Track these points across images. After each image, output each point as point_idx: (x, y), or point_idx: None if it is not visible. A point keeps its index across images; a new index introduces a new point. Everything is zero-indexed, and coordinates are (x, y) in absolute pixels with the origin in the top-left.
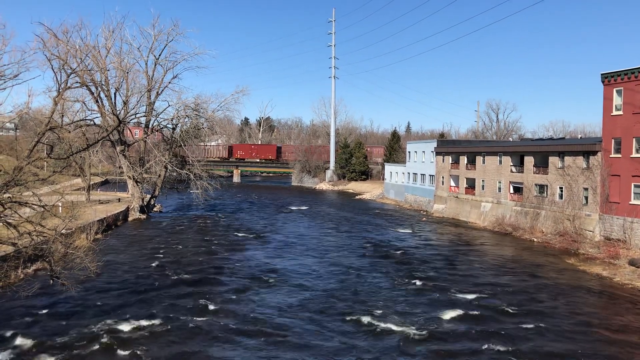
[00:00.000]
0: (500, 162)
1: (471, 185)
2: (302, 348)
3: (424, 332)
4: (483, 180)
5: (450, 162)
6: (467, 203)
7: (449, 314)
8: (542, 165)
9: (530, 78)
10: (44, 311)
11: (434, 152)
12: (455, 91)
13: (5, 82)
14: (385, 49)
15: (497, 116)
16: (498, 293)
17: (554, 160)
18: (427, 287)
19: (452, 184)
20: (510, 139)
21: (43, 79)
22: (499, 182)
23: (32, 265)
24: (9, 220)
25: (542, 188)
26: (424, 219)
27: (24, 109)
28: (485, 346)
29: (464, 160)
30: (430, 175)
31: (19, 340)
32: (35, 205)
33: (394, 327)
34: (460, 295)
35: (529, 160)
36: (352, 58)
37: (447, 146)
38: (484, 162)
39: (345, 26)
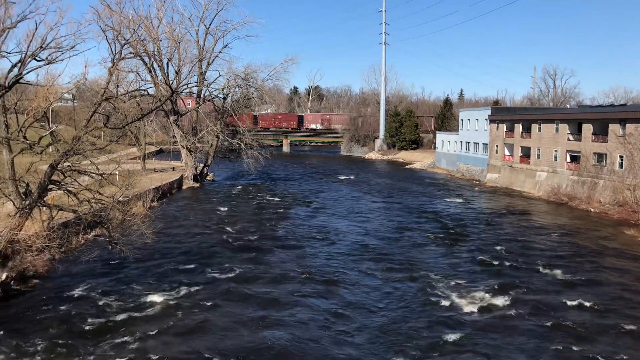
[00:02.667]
0: (557, 130)
1: (526, 154)
2: (359, 310)
3: (472, 297)
4: (538, 149)
5: (505, 130)
6: (522, 172)
7: (501, 285)
8: (601, 133)
9: (590, 42)
10: (103, 275)
11: (488, 120)
12: (511, 57)
13: (62, 53)
14: (438, 14)
15: (554, 82)
16: (555, 264)
17: (614, 128)
18: (480, 256)
19: (506, 152)
20: (568, 106)
21: (98, 50)
22: (555, 151)
23: (92, 232)
24: (69, 188)
25: (600, 157)
26: (477, 188)
27: (81, 80)
28: (546, 320)
29: (519, 128)
30: (483, 144)
31: (80, 302)
32: (93, 173)
33: (445, 291)
34: (518, 266)
35: (588, 128)
36: (403, 24)
37: (501, 114)
38: (539, 130)
39: None
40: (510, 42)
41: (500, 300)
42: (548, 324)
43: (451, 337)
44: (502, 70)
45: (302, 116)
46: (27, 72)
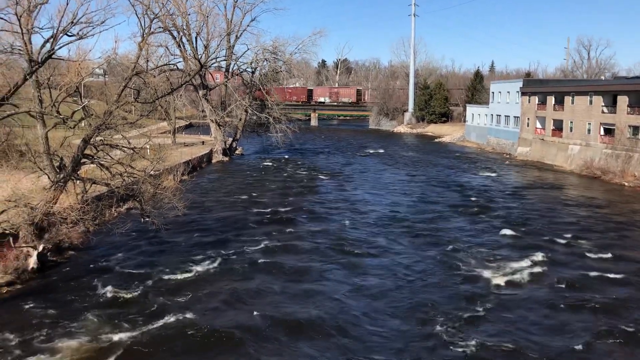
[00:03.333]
0: (591, 102)
1: (558, 127)
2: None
3: (498, 269)
4: (571, 122)
5: (537, 102)
6: (554, 146)
7: (530, 259)
8: (637, 105)
9: (627, 11)
10: (136, 247)
11: (519, 93)
12: (544, 27)
13: (93, 28)
14: None
15: (588, 53)
16: (586, 236)
17: None
18: (508, 230)
19: (538, 125)
20: (603, 78)
21: (128, 25)
22: (589, 124)
23: (124, 205)
24: (102, 162)
25: (636, 130)
26: (507, 162)
27: (111, 55)
28: (573, 294)
29: (551, 100)
30: (514, 117)
31: (115, 273)
32: (125, 147)
33: (472, 264)
34: (548, 239)
35: (623, 100)
36: None
37: (533, 86)
38: (572, 103)
39: None
40: (542, 12)
41: (525, 274)
42: (574, 298)
43: (473, 308)
44: (535, 41)
45: (312, 90)
46: (59, 48)
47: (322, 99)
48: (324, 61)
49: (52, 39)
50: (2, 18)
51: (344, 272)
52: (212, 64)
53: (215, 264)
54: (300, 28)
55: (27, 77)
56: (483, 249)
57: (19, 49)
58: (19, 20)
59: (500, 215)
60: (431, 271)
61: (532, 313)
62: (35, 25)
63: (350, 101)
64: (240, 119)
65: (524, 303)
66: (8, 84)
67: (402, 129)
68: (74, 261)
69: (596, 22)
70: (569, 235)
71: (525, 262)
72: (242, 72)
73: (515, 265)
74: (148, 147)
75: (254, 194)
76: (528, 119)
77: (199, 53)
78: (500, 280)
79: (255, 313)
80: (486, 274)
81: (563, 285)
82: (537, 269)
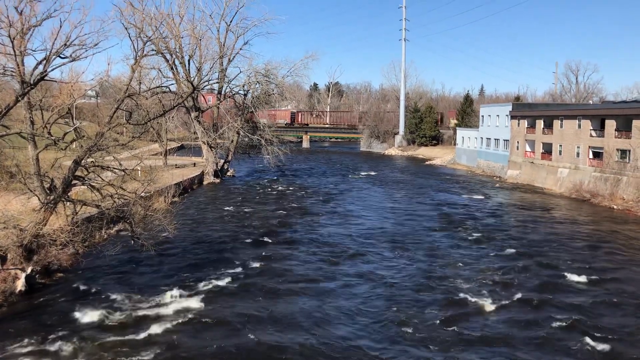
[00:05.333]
0: (579, 126)
1: (547, 150)
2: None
3: (488, 292)
4: (560, 145)
5: (526, 126)
6: (543, 169)
7: (515, 278)
8: (625, 129)
9: (613, 37)
10: (126, 269)
11: (509, 116)
12: (532, 52)
13: (86, 50)
14: (458, 9)
15: (576, 78)
16: (577, 259)
17: (638, 124)
18: (498, 252)
19: (528, 149)
20: (591, 102)
21: (121, 47)
22: (578, 147)
23: (115, 226)
24: (93, 184)
25: (624, 153)
26: (498, 185)
27: (104, 77)
28: (564, 317)
29: (540, 124)
30: (504, 140)
31: (104, 296)
32: (116, 169)
33: (464, 287)
34: (538, 260)
35: (611, 124)
36: (423, 19)
37: (522, 109)
38: (561, 126)
39: None
40: (531, 38)
41: (513, 296)
42: (564, 321)
43: (464, 331)
44: (523, 65)
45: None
46: (52, 70)
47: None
48: (316, 84)
49: (45, 61)
50: None
51: (336, 295)
52: (205, 86)
53: (206, 287)
54: (292, 52)
55: (19, 98)
56: (472, 270)
57: (12, 71)
58: (12, 42)
59: (491, 239)
60: (419, 291)
61: (519, 335)
62: (28, 47)
63: (285, 122)
64: (232, 141)
65: (510, 324)
66: (0, 106)
67: (393, 151)
68: (62, 284)
69: (584, 47)
70: (559, 259)
71: (512, 284)
72: (234, 94)
73: (501, 287)
74: (139, 168)
75: (245, 216)
76: (518, 142)
77: (191, 75)
78: (484, 302)
79: (246, 337)
80: (475, 298)
81: (552, 309)
82: (523, 292)
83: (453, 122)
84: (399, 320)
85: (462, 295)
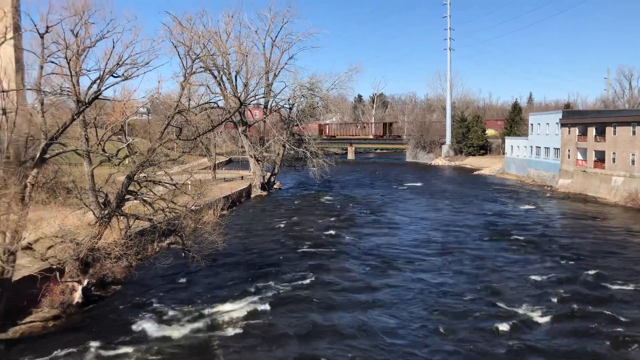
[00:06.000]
0: (634, 132)
1: (600, 158)
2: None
3: (542, 311)
4: (614, 153)
5: (577, 134)
6: (596, 177)
7: (575, 294)
8: None
9: None
10: (177, 282)
11: (559, 124)
12: (582, 58)
13: (138, 69)
14: (504, 17)
15: (629, 83)
16: (632, 272)
17: None
18: (553, 264)
19: (579, 157)
20: None
21: (170, 65)
22: (633, 154)
23: (166, 240)
24: (145, 198)
25: None
26: (549, 194)
27: (155, 94)
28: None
29: (592, 131)
30: (554, 149)
31: (156, 308)
32: (167, 183)
33: (518, 310)
34: (590, 271)
35: None
36: (468, 28)
37: (573, 117)
38: (614, 133)
39: None
40: (580, 44)
41: (563, 307)
42: (615, 335)
43: (514, 342)
44: (573, 72)
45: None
46: (106, 89)
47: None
48: (360, 96)
49: (98, 80)
50: (52, 62)
51: (381, 306)
52: (251, 101)
53: (256, 299)
54: (336, 65)
55: (75, 117)
56: (518, 278)
57: (68, 91)
58: (68, 63)
59: (543, 250)
60: (466, 302)
61: (568, 349)
62: (83, 67)
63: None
64: (278, 154)
65: (551, 333)
66: (57, 124)
67: (439, 161)
68: (117, 296)
69: (637, 51)
70: (614, 272)
71: (563, 297)
72: (280, 108)
73: (552, 300)
74: (189, 182)
75: (293, 227)
76: (569, 150)
77: (238, 91)
78: (533, 313)
79: (295, 347)
80: (521, 305)
81: (604, 324)
82: (574, 307)
83: (491, 132)
84: (448, 330)
85: (510, 305)
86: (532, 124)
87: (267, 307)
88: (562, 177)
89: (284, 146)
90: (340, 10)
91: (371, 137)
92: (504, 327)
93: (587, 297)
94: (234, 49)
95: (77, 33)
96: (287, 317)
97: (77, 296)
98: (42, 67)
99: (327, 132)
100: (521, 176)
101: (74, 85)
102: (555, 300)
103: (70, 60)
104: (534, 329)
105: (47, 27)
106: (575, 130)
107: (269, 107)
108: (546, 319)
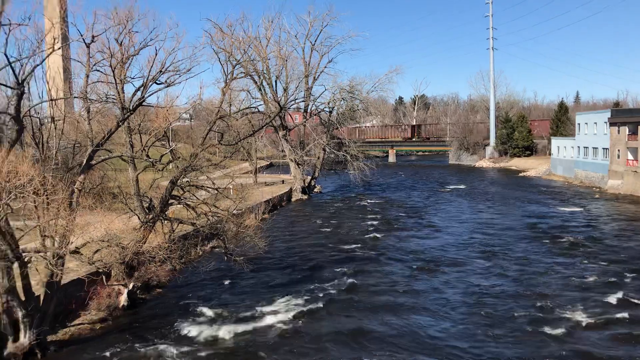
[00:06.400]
0: None
1: None
2: (463, 337)
3: (599, 320)
4: None
5: (627, 133)
6: None
7: (617, 299)
8: None
9: None
10: (220, 285)
11: (608, 123)
12: (631, 56)
13: (180, 76)
14: (549, 14)
15: None
16: None
17: None
18: (602, 268)
19: (629, 157)
20: None
21: (212, 71)
22: None
23: (209, 243)
24: (188, 202)
25: None
26: (597, 195)
27: (197, 100)
28: None
29: None
30: (603, 149)
31: (199, 311)
32: (209, 188)
33: (559, 305)
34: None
35: None
36: (511, 27)
37: (623, 116)
38: None
39: None
40: (630, 40)
41: (612, 313)
42: None
43: (561, 346)
44: (623, 70)
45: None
46: (149, 95)
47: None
48: (400, 98)
49: (142, 88)
50: (98, 70)
51: (425, 310)
52: (291, 105)
53: (299, 303)
54: (376, 67)
55: (120, 123)
56: (565, 281)
57: (113, 98)
58: (113, 71)
59: (587, 250)
60: (513, 308)
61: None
62: (127, 75)
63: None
64: (318, 158)
65: (599, 339)
66: (102, 131)
67: (484, 163)
68: (161, 299)
69: None
70: None
71: (612, 305)
72: (319, 112)
73: (601, 306)
74: (231, 187)
75: (334, 231)
76: (618, 150)
77: (278, 95)
78: (581, 317)
79: (338, 352)
80: (568, 309)
81: None
82: (626, 313)
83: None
84: (494, 333)
85: (557, 309)
86: (579, 124)
87: (310, 309)
88: (611, 178)
89: (324, 150)
90: (380, 12)
91: (412, 139)
92: (550, 331)
93: (636, 302)
94: (273, 53)
95: (122, 42)
96: (330, 320)
97: (123, 299)
98: (88, 76)
99: (368, 135)
100: (568, 177)
101: (118, 92)
102: (603, 304)
103: (115, 68)
104: (582, 334)
105: (93, 37)
106: (625, 130)
107: (308, 110)
108: (594, 323)
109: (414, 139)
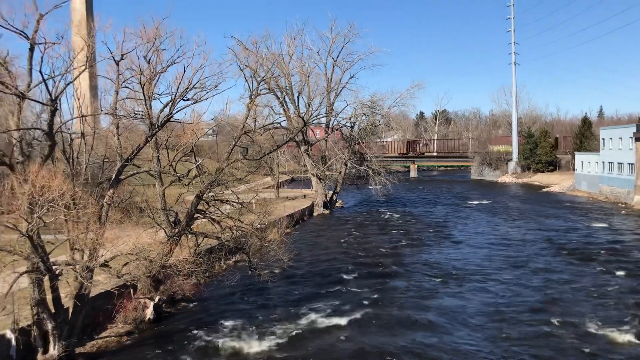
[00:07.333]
0: None
1: None
2: (483, 349)
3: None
4: None
5: None
6: None
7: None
8: None
9: None
10: (244, 299)
11: (633, 138)
12: None
13: (207, 92)
14: (572, 29)
15: None
16: None
17: None
18: (634, 291)
19: None
20: None
21: (235, 88)
22: None
23: (233, 257)
24: (213, 217)
25: None
26: (623, 212)
27: (222, 116)
28: None
29: None
30: (629, 164)
31: (224, 325)
32: (234, 202)
33: (585, 325)
34: None
35: None
36: (534, 42)
37: None
38: None
39: (524, 9)
40: None
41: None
42: None
43: None
44: None
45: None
46: (177, 112)
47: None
48: (422, 113)
49: (170, 104)
50: (127, 87)
51: (447, 327)
52: (313, 120)
53: (323, 318)
54: (398, 82)
55: (149, 139)
56: (589, 299)
57: (142, 114)
58: (142, 88)
59: (612, 267)
60: (538, 323)
61: None
62: (155, 92)
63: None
64: (340, 172)
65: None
66: (131, 146)
67: (506, 178)
68: (186, 313)
69: None
70: None
71: (633, 313)
72: (341, 127)
73: (624, 317)
74: (254, 201)
75: (355, 247)
76: None
77: (300, 111)
78: (608, 335)
79: None
80: (594, 328)
81: None
82: None
83: (499, 148)
84: (517, 348)
85: (580, 323)
86: (603, 139)
87: (334, 324)
88: (637, 194)
89: (345, 164)
90: (402, 28)
91: (434, 154)
92: (574, 345)
93: None
94: (296, 70)
95: (150, 59)
96: (354, 334)
97: (149, 312)
98: (117, 93)
99: (389, 150)
100: (593, 193)
101: (147, 109)
102: (628, 320)
103: (143, 85)
104: (601, 344)
105: (122, 55)
106: None
107: (330, 126)
108: (618, 339)
109: (410, 154)
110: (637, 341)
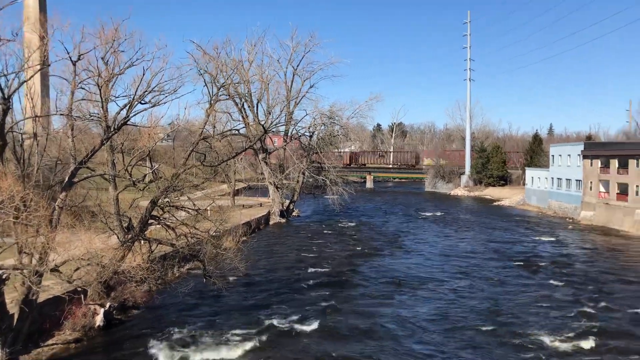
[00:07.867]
0: None
1: (623, 190)
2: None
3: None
4: (637, 186)
5: (600, 166)
6: (619, 210)
7: (587, 326)
8: None
9: None
10: (198, 307)
11: (581, 156)
12: (603, 90)
13: (165, 96)
14: (525, 49)
15: None
16: None
17: None
18: (570, 297)
19: (602, 189)
20: None
21: (194, 93)
22: None
23: (187, 265)
24: (168, 223)
25: None
26: (570, 226)
27: (180, 121)
28: None
29: (614, 163)
30: (576, 180)
31: (176, 334)
32: (189, 209)
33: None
34: (608, 307)
35: None
36: (489, 59)
37: (595, 149)
38: (638, 166)
39: (481, 27)
40: (602, 75)
41: (583, 344)
42: None
43: None
44: (595, 104)
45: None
46: (134, 115)
47: None
48: (379, 125)
49: (127, 107)
50: (83, 88)
51: (401, 336)
52: (272, 128)
53: (276, 327)
54: (357, 93)
55: (104, 142)
56: (541, 315)
57: (97, 117)
58: (99, 89)
59: (561, 280)
60: (483, 333)
61: None
62: (112, 94)
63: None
64: (297, 182)
65: None
66: (85, 149)
67: (459, 191)
68: (137, 320)
69: None
70: (632, 301)
71: (582, 332)
72: (300, 136)
73: (572, 333)
74: (210, 208)
75: (312, 255)
76: (591, 182)
77: (260, 118)
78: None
79: None
80: (544, 340)
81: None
82: (594, 341)
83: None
84: (464, 347)
85: (522, 330)
86: (553, 155)
87: (288, 332)
88: (584, 209)
89: (303, 174)
90: (362, 40)
91: (390, 166)
92: (519, 351)
93: (610, 331)
94: (256, 77)
95: (107, 61)
96: (308, 342)
97: (99, 319)
98: (73, 94)
99: (346, 160)
100: (542, 207)
101: (103, 111)
102: (570, 328)
103: (100, 87)
104: (546, 347)
105: (80, 55)
106: (598, 163)
107: (289, 134)
108: (561, 346)
109: (352, 165)
110: (578, 348)
